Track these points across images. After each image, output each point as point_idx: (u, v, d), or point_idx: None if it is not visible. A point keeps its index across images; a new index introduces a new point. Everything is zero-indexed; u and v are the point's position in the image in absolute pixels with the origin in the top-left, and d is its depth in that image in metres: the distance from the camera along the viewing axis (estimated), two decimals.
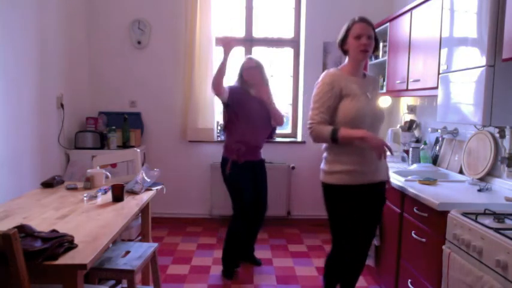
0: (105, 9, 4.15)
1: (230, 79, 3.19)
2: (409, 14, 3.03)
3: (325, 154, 2.24)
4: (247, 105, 3.04)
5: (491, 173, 2.46)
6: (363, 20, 2.16)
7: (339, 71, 2.21)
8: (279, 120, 3.17)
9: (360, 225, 2.22)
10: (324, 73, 2.22)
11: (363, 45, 2.12)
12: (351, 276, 2.39)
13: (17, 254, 1.35)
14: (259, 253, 3.50)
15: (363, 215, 2.20)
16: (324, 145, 2.24)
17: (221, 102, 3.09)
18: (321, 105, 2.12)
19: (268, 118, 3.12)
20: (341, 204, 2.18)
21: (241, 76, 3.12)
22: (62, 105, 3.57)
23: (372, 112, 2.17)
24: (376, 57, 3.73)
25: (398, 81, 3.15)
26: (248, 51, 4.36)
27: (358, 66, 2.22)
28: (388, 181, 2.33)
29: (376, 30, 3.59)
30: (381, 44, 3.64)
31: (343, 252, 2.28)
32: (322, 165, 2.23)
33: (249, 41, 4.36)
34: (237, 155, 3.00)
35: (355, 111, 2.10)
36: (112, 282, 2.37)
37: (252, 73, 3.08)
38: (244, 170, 3.04)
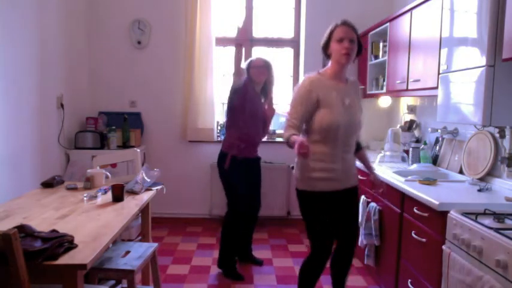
0: (105, 9, 4.15)
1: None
2: (409, 14, 3.03)
3: (296, 160, 2.28)
4: (255, 104, 3.08)
5: (491, 173, 2.46)
6: (345, 23, 2.17)
7: (320, 75, 2.21)
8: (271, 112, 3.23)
9: (329, 229, 2.24)
10: (304, 77, 2.23)
11: (345, 48, 2.11)
12: (340, 274, 2.43)
13: (17, 254, 1.35)
14: (260, 253, 3.50)
15: (332, 218, 2.23)
16: None
17: (232, 92, 3.08)
18: (294, 112, 2.16)
19: (265, 118, 3.19)
20: (311, 208, 2.24)
21: (247, 74, 3.11)
22: (62, 105, 3.57)
23: (348, 122, 2.15)
24: (376, 57, 3.73)
25: (398, 81, 3.15)
26: (248, 51, 4.36)
27: (341, 70, 2.20)
28: (356, 186, 2.34)
29: (376, 30, 3.66)
30: (381, 44, 3.64)
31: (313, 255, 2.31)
32: (294, 171, 2.33)
33: (249, 41, 4.36)
34: (238, 151, 3.03)
35: (330, 122, 2.11)
36: (112, 282, 2.37)
37: (260, 72, 3.08)
38: (241, 166, 3.06)
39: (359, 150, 2.38)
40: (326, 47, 2.22)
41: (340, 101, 2.15)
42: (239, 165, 3.04)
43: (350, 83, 2.27)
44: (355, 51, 2.18)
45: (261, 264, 3.32)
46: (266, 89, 3.17)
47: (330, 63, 2.23)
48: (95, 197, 2.31)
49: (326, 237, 2.24)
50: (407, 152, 3.35)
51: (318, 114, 2.14)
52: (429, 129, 3.14)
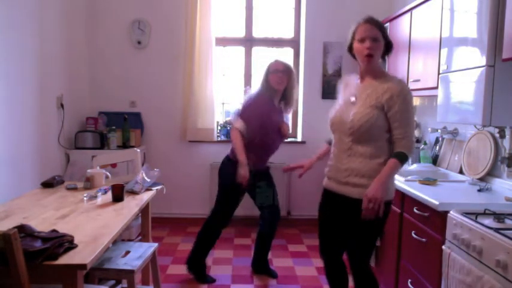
0: (105, 9, 4.15)
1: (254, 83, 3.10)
2: (409, 14, 3.03)
3: None
4: (271, 118, 2.86)
5: (491, 173, 2.46)
6: (367, 21, 1.98)
7: (354, 75, 2.13)
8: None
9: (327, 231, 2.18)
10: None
11: (366, 49, 1.93)
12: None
13: (17, 254, 1.35)
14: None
15: (330, 222, 2.15)
16: None
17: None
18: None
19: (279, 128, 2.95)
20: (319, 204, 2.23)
21: (266, 80, 2.88)
22: (62, 105, 3.57)
23: (341, 121, 2.01)
24: None
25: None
26: (248, 51, 4.37)
27: (365, 71, 2.01)
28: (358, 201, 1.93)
29: None
30: None
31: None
32: None
33: (249, 41, 4.36)
34: (252, 164, 2.81)
35: (329, 118, 2.12)
36: (112, 282, 2.37)
37: (279, 78, 2.84)
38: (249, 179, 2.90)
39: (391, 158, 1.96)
40: (351, 48, 2.05)
41: (347, 99, 2.06)
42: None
43: (377, 82, 1.98)
44: (380, 50, 1.98)
45: (275, 277, 3.11)
46: (286, 95, 2.93)
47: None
48: (95, 197, 2.31)
49: (321, 235, 2.20)
50: None
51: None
52: (429, 129, 3.14)
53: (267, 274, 3.14)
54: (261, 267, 3.17)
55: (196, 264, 3.04)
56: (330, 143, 2.22)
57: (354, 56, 2.04)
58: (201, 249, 3.04)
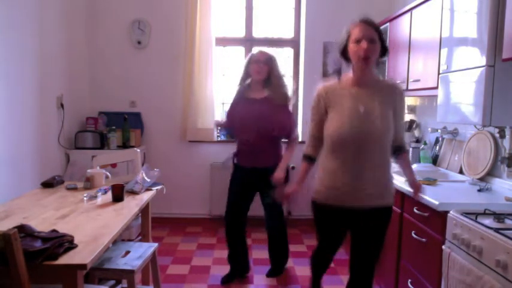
0: (105, 9, 4.15)
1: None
2: (409, 14, 3.03)
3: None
4: (238, 111, 2.87)
5: (491, 173, 2.46)
6: (363, 21, 1.89)
7: (337, 82, 2.00)
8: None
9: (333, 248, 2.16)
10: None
11: (363, 50, 1.83)
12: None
13: (17, 254, 1.35)
14: (260, 253, 3.50)
15: (334, 236, 2.11)
16: None
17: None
18: (312, 124, 2.06)
19: (268, 124, 2.79)
20: (317, 220, 2.13)
21: (246, 70, 2.87)
22: (62, 105, 3.57)
23: (358, 131, 1.87)
24: None
25: (398, 81, 3.15)
26: (248, 52, 4.36)
27: (362, 74, 1.92)
28: (382, 209, 1.98)
29: None
30: None
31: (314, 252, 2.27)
32: None
33: (249, 41, 4.36)
34: (234, 156, 2.96)
35: (333, 132, 1.92)
36: (112, 282, 2.37)
37: (259, 67, 2.79)
38: (237, 173, 2.97)
39: (399, 155, 2.08)
40: (344, 51, 1.94)
41: (353, 108, 1.90)
42: (235, 171, 2.99)
43: (378, 87, 1.96)
44: (377, 52, 1.89)
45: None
46: (271, 84, 2.83)
47: (351, 69, 1.96)
48: (95, 197, 2.31)
49: (324, 248, 2.19)
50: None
51: (326, 123, 1.96)
52: (429, 129, 3.14)
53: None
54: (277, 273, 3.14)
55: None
56: (311, 160, 2.09)
57: (347, 59, 1.95)
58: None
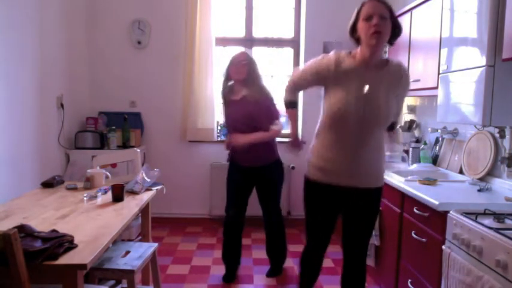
0: (105, 9, 4.15)
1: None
2: (409, 14, 3.03)
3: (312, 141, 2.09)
4: (228, 113, 2.99)
5: (491, 173, 2.46)
6: None
7: (350, 56, 1.92)
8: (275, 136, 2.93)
9: (324, 228, 2.10)
10: (333, 51, 1.97)
11: (374, 25, 1.75)
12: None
13: (17, 254, 1.35)
14: (260, 253, 3.50)
15: (328, 216, 2.07)
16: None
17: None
18: (303, 76, 2.02)
19: (254, 121, 2.83)
20: (309, 199, 2.10)
21: (227, 72, 2.93)
22: (62, 105, 3.57)
23: (361, 112, 1.86)
24: None
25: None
26: (248, 52, 4.36)
27: (372, 54, 1.85)
28: (375, 190, 2.02)
29: None
30: None
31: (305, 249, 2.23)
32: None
33: (249, 41, 4.36)
34: (230, 155, 3.05)
35: (337, 110, 1.87)
36: (112, 282, 2.37)
37: (237, 68, 2.85)
38: (233, 171, 3.02)
39: (389, 130, 2.12)
40: (353, 30, 1.87)
41: (360, 90, 1.87)
42: (230, 168, 3.06)
43: (386, 70, 1.92)
44: (389, 30, 1.82)
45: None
46: (249, 83, 2.87)
47: (359, 49, 1.91)
48: (95, 197, 2.31)
49: (317, 231, 2.12)
50: (407, 152, 3.35)
51: (329, 97, 1.91)
52: (429, 129, 3.14)
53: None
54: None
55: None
56: (295, 104, 2.16)
57: (356, 40, 1.90)
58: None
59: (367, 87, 1.87)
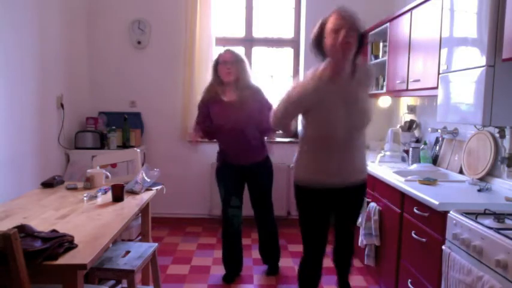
0: (105, 9, 4.15)
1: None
2: (409, 14, 3.03)
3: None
4: (217, 113, 2.86)
5: (491, 173, 2.46)
6: (340, 10, 1.88)
7: (318, 79, 1.94)
8: (267, 131, 2.91)
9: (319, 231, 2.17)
10: (303, 76, 2.03)
11: (343, 37, 1.78)
12: (340, 271, 2.41)
13: (17, 254, 1.35)
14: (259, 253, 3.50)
15: (323, 217, 2.15)
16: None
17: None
18: (285, 112, 2.08)
19: (253, 122, 2.83)
20: (302, 205, 2.19)
21: (215, 71, 2.83)
22: (62, 105, 3.57)
23: (349, 122, 1.95)
24: (376, 57, 3.73)
25: (398, 81, 3.15)
26: (248, 52, 4.36)
27: (340, 67, 1.90)
28: (360, 184, 2.16)
29: (376, 30, 3.65)
30: (381, 44, 3.64)
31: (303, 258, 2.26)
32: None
33: (249, 41, 4.36)
34: (217, 159, 3.04)
35: (321, 134, 1.99)
36: (112, 282, 2.37)
37: (227, 69, 2.74)
38: (225, 170, 3.00)
39: None
40: (318, 43, 1.90)
41: (339, 107, 1.94)
42: (222, 168, 3.03)
43: (357, 73, 1.98)
44: (356, 42, 1.85)
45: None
46: (239, 85, 2.81)
47: (324, 64, 1.94)
48: (95, 197, 2.31)
49: (315, 235, 2.18)
50: (407, 152, 3.35)
51: (314, 117, 1.98)
52: (429, 129, 3.14)
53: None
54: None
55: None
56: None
57: (320, 53, 1.94)
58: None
59: (349, 98, 1.96)
